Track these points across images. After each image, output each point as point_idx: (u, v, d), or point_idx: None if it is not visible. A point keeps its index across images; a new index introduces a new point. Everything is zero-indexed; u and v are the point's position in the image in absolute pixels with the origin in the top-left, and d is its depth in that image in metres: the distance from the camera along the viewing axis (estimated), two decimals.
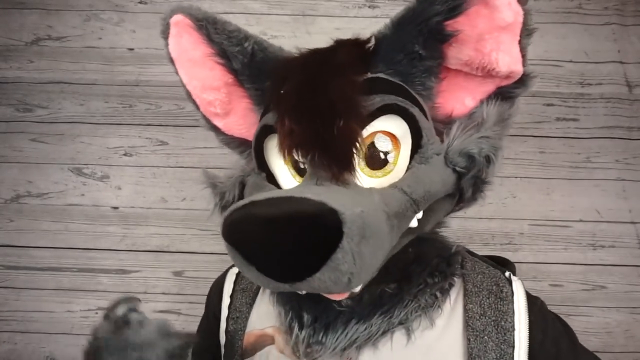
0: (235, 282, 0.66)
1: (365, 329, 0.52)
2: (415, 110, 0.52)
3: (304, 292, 0.48)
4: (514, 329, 0.54)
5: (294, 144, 0.49)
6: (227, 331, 0.63)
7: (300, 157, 0.50)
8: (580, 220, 1.00)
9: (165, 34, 0.61)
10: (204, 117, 0.66)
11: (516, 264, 0.92)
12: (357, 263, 0.40)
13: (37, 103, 1.03)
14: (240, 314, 0.63)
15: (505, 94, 0.57)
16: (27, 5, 1.03)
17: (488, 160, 0.53)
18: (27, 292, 1.00)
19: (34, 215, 1.01)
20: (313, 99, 0.49)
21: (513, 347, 0.53)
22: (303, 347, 0.53)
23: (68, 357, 0.98)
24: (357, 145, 0.48)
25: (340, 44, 0.56)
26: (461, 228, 1.01)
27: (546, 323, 0.58)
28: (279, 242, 0.41)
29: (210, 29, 0.59)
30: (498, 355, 0.53)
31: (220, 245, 1.09)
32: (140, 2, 1.04)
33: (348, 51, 0.54)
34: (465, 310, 0.55)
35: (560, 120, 1.02)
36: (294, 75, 0.52)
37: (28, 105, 1.03)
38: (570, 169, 1.01)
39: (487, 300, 0.56)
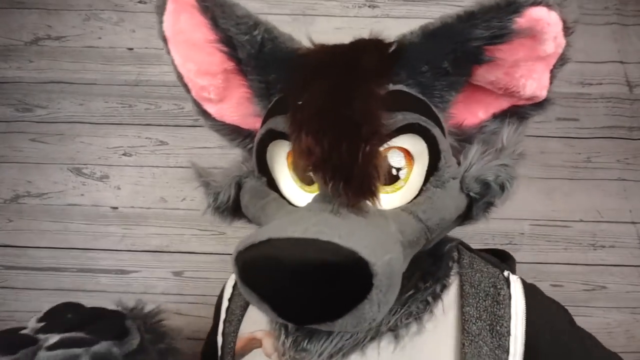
0: (234, 287, 0.65)
1: (351, 336, 0.50)
2: (436, 131, 0.49)
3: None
4: (509, 334, 0.52)
5: (312, 166, 0.45)
6: (223, 333, 0.62)
7: (317, 180, 0.46)
8: (581, 220, 1.00)
9: (160, 9, 0.55)
10: (194, 101, 0.61)
11: (516, 264, 0.92)
12: (381, 310, 0.40)
13: (36, 103, 1.03)
14: (234, 316, 0.62)
15: (519, 113, 0.56)
16: (27, 5, 1.03)
17: (502, 187, 0.51)
18: (26, 292, 1.00)
19: (34, 215, 1.01)
20: (335, 116, 0.45)
21: (508, 352, 0.51)
22: (290, 353, 0.52)
23: None
24: (379, 170, 0.45)
25: (362, 45, 0.52)
26: (461, 228, 1.00)
27: (551, 323, 0.55)
28: (304, 292, 0.39)
29: (217, 12, 0.53)
30: None
31: (221, 245, 1.10)
32: (139, 2, 1.04)
33: (371, 55, 0.50)
34: (462, 314, 0.53)
35: (560, 120, 1.02)
36: (313, 81, 0.48)
37: (28, 105, 1.03)
38: (571, 169, 1.01)
39: (484, 303, 0.53)
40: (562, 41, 0.50)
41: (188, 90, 0.60)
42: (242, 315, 0.61)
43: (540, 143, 1.01)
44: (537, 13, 0.46)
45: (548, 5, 0.46)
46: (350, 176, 0.43)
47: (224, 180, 0.57)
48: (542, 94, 0.54)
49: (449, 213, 0.49)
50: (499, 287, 0.54)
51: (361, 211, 0.45)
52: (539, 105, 0.55)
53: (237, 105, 0.61)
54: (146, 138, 1.03)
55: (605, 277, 0.99)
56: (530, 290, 0.56)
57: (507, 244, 1.00)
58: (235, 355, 0.59)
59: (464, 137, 0.55)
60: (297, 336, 0.51)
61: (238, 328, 0.60)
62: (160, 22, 0.56)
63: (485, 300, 0.53)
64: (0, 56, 1.03)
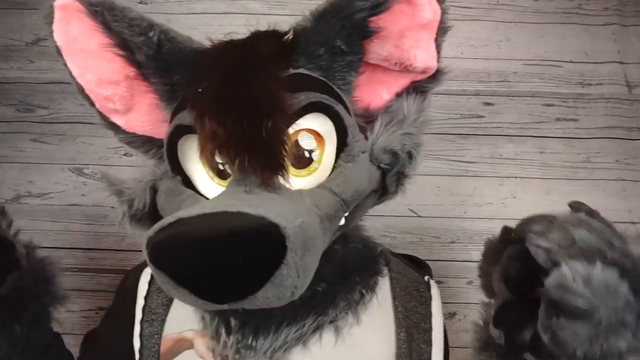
0: (150, 283, 0.60)
1: (297, 330, 0.50)
2: (339, 108, 0.51)
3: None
4: (432, 329, 0.57)
5: (218, 147, 0.45)
6: (141, 335, 0.57)
7: (226, 161, 0.46)
8: None
9: (49, 18, 0.53)
10: (100, 114, 0.59)
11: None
12: (300, 276, 0.39)
13: (37, 103, 1.03)
14: (156, 316, 0.57)
15: (419, 88, 0.58)
16: (28, 5, 1.03)
17: (410, 156, 0.53)
18: None
19: (35, 216, 1.01)
20: (236, 97, 0.46)
21: (431, 345, 0.56)
22: (232, 353, 0.51)
23: None
24: (286, 146, 0.46)
25: (258, 36, 0.53)
26: (460, 228, 1.01)
27: None
28: (218, 263, 0.38)
29: (108, 15, 0.51)
30: (419, 353, 0.55)
31: None
32: (140, 2, 1.04)
33: (268, 44, 0.52)
34: (395, 308, 0.57)
35: (560, 120, 1.02)
36: (211, 70, 0.49)
37: (29, 106, 1.03)
38: (570, 169, 1.01)
39: (410, 304, 0.58)
40: (437, 7, 0.53)
41: (92, 103, 0.58)
42: (166, 315, 0.57)
43: (539, 143, 1.02)
44: None
45: None
46: (255, 150, 0.44)
47: (138, 186, 0.56)
48: (433, 64, 0.56)
49: (362, 185, 0.50)
50: (421, 290, 0.60)
51: (274, 189, 0.45)
52: (434, 77, 0.58)
53: (147, 114, 0.59)
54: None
55: None
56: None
57: None
58: (161, 358, 0.55)
59: (372, 119, 0.57)
60: (242, 333, 0.50)
61: (162, 329, 0.56)
62: (51, 32, 0.54)
63: (411, 302, 0.59)
64: (1, 56, 1.03)
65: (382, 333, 0.55)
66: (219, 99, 0.46)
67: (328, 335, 0.53)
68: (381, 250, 0.61)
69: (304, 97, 0.49)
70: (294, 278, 0.39)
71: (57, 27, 0.53)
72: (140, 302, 0.59)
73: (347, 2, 0.50)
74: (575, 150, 1.01)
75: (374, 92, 0.58)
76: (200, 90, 0.48)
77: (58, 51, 0.55)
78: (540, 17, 1.03)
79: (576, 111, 1.02)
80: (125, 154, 1.03)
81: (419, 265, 0.67)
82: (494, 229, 1.07)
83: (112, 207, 1.01)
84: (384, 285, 0.59)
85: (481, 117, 1.02)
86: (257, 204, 0.40)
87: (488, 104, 1.02)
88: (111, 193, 0.57)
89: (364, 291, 0.56)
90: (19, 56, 1.03)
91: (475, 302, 0.96)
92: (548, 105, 1.02)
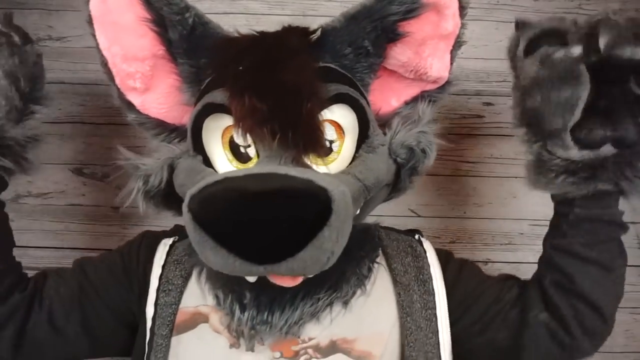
0: (168, 254, 0.62)
1: (312, 304, 0.52)
2: (364, 102, 0.55)
3: (253, 279, 0.49)
4: (431, 279, 0.61)
5: (257, 122, 0.46)
6: (157, 304, 0.58)
7: (261, 137, 0.48)
8: None
9: None
10: (118, 90, 0.60)
11: (516, 264, 0.93)
12: (339, 241, 0.41)
13: None
14: (173, 286, 0.58)
15: (427, 97, 0.62)
16: (28, 6, 1.03)
17: (424, 152, 0.56)
18: None
19: (35, 216, 1.01)
20: (276, 78, 0.48)
21: (433, 295, 0.60)
22: (247, 329, 0.52)
23: None
24: (321, 128, 0.49)
25: (289, 30, 0.55)
26: (460, 228, 1.01)
27: (450, 264, 0.65)
28: (264, 219, 0.38)
29: None
30: (422, 304, 0.58)
31: None
32: None
33: (298, 37, 0.54)
34: (391, 270, 0.60)
35: None
36: (249, 53, 0.50)
37: None
38: None
39: (406, 259, 0.62)
40: (458, 21, 0.58)
41: (112, 78, 0.59)
42: (184, 287, 0.59)
43: None
44: None
45: None
46: (297, 127, 0.46)
47: (155, 163, 0.56)
48: (445, 74, 0.60)
49: (382, 174, 0.54)
50: (414, 246, 0.64)
51: (306, 166, 0.48)
52: (443, 88, 0.62)
53: (165, 96, 0.60)
54: (146, 138, 1.03)
55: None
56: (439, 250, 0.67)
57: (507, 244, 1.00)
58: (175, 328, 0.56)
59: (381, 123, 0.60)
60: (257, 309, 0.51)
61: (179, 300, 0.58)
62: (87, 1, 0.55)
63: (406, 258, 0.62)
64: None
65: (383, 296, 0.59)
66: (260, 78, 0.48)
67: (337, 307, 0.55)
68: (374, 225, 0.65)
69: (334, 88, 0.52)
70: (333, 242, 0.40)
71: None
72: (156, 271, 0.60)
73: (381, 6, 0.53)
74: None
75: (385, 98, 0.62)
76: (240, 68, 0.49)
77: (90, 20, 0.56)
78: (540, 17, 1.03)
79: None
80: None
81: (408, 231, 0.71)
82: (494, 229, 1.07)
83: (112, 207, 1.02)
84: (380, 254, 0.62)
85: (481, 117, 1.02)
86: (301, 172, 0.42)
87: (488, 104, 1.02)
88: (126, 167, 0.58)
89: (371, 265, 0.59)
90: None
91: None
92: None
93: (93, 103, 1.03)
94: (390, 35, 0.55)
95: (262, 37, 0.54)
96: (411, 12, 0.53)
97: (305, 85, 0.48)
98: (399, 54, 0.57)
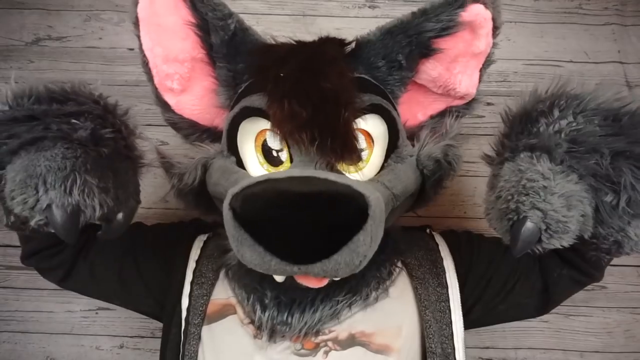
0: (202, 249, 0.66)
1: (332, 307, 0.54)
2: (395, 114, 0.56)
3: (281, 279, 0.51)
4: (445, 272, 0.62)
5: (297, 127, 0.48)
6: (190, 295, 0.62)
7: (299, 142, 0.49)
8: None
9: None
10: (156, 90, 0.62)
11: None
12: (372, 245, 0.42)
13: None
14: (206, 279, 0.62)
15: (453, 112, 0.63)
16: (28, 6, 1.03)
17: (450, 165, 0.57)
18: (27, 292, 1.00)
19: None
20: (316, 85, 0.49)
21: (447, 287, 0.61)
22: (267, 329, 0.55)
23: (68, 357, 0.98)
24: (357, 136, 0.50)
25: (324, 40, 0.57)
26: (460, 229, 1.00)
27: (462, 249, 0.66)
28: (304, 219, 0.40)
29: None
30: (437, 297, 0.60)
31: None
32: None
33: (334, 47, 0.56)
34: (406, 265, 0.62)
35: None
36: (290, 60, 0.52)
37: None
38: None
39: (419, 253, 0.64)
40: (491, 40, 0.59)
41: (151, 78, 0.61)
42: (215, 280, 0.62)
43: None
44: (477, 9, 0.54)
45: (485, 4, 0.54)
46: (335, 134, 0.48)
47: (189, 162, 0.59)
48: (473, 91, 0.61)
49: (410, 183, 0.55)
50: (426, 239, 0.67)
51: (340, 172, 0.50)
52: (469, 104, 0.63)
53: (200, 97, 0.62)
54: (146, 138, 1.03)
55: (604, 277, 0.98)
56: (445, 233, 0.69)
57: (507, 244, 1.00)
58: (206, 318, 0.60)
59: (407, 136, 0.62)
60: (277, 309, 0.54)
61: (211, 291, 0.61)
62: (135, 3, 0.56)
63: (419, 251, 0.64)
64: (0, 56, 1.03)
65: (400, 290, 0.60)
66: (300, 84, 0.49)
67: (357, 306, 0.57)
68: (391, 226, 0.64)
69: (367, 98, 0.54)
70: (367, 245, 0.41)
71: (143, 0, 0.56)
72: (191, 265, 0.64)
73: (418, 22, 0.54)
74: None
75: (412, 111, 0.64)
76: (282, 75, 0.50)
77: (136, 22, 0.57)
78: (540, 17, 1.03)
79: None
80: None
81: (419, 227, 0.72)
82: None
83: None
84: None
85: (481, 117, 1.02)
86: (339, 177, 0.42)
87: (488, 104, 1.02)
88: (162, 165, 0.61)
89: (391, 269, 0.60)
90: (18, 56, 1.03)
91: None
92: None
93: None
94: (424, 50, 0.56)
95: (301, 46, 0.56)
96: (447, 30, 0.54)
97: (344, 94, 0.49)
98: (430, 69, 0.59)
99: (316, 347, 0.55)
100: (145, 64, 0.60)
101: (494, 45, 0.59)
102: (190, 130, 0.65)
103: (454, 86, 0.59)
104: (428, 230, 0.69)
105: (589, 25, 1.03)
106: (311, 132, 0.47)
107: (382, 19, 1.01)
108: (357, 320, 0.57)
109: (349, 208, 0.40)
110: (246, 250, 0.42)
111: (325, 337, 0.56)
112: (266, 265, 0.42)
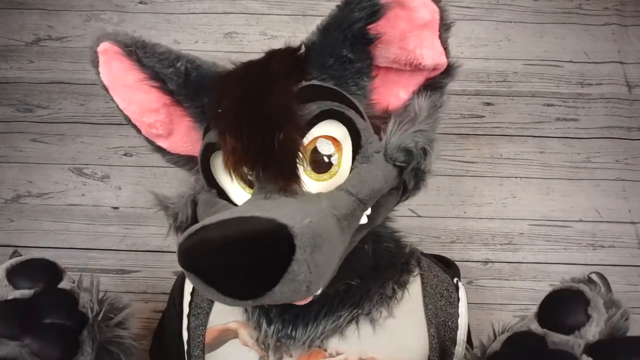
0: None
1: (334, 321, 0.55)
2: (351, 113, 0.54)
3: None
4: (457, 329, 0.62)
5: (237, 161, 0.49)
6: (189, 328, 0.64)
7: (246, 172, 0.50)
8: (580, 221, 1.00)
9: (94, 62, 0.60)
10: (147, 139, 0.67)
11: (516, 264, 0.93)
12: (312, 271, 0.42)
13: (37, 103, 1.03)
14: (201, 310, 0.64)
15: (434, 84, 0.61)
16: (28, 6, 1.03)
17: (424, 152, 0.55)
18: None
19: (35, 216, 1.01)
20: (250, 114, 0.50)
21: (456, 344, 0.61)
22: (272, 342, 0.56)
23: None
24: (300, 154, 0.49)
25: (272, 54, 0.57)
26: (461, 229, 1.01)
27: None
28: (234, 263, 0.41)
29: (140, 53, 0.59)
30: (443, 350, 0.61)
31: None
32: (140, 3, 1.04)
33: (280, 60, 0.56)
34: (425, 306, 0.62)
35: (560, 120, 1.02)
36: (229, 92, 0.53)
37: (28, 106, 1.03)
38: (570, 169, 1.01)
39: (440, 302, 0.63)
40: (433, 7, 0.56)
41: (138, 131, 0.66)
42: (210, 308, 0.63)
43: (539, 143, 1.02)
44: None
45: None
46: (268, 163, 0.48)
47: (180, 201, 0.61)
48: (442, 60, 0.58)
49: (378, 183, 0.53)
50: (450, 291, 0.65)
51: (292, 194, 0.49)
52: (447, 72, 0.60)
53: (186, 135, 0.66)
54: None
55: None
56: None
57: (507, 244, 1.00)
58: (206, 347, 0.61)
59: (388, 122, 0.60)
60: (282, 323, 0.55)
61: (206, 321, 0.62)
62: (97, 73, 0.61)
63: (440, 300, 0.63)
64: (0, 56, 1.03)
65: (415, 327, 0.60)
66: (236, 117, 0.50)
67: (364, 325, 0.57)
68: (412, 249, 0.66)
69: (315, 107, 0.52)
70: (305, 273, 0.41)
71: (102, 69, 0.60)
72: (187, 298, 0.66)
73: (344, 15, 0.53)
74: (575, 150, 1.01)
75: (391, 92, 0.61)
76: (220, 110, 0.52)
77: (105, 89, 0.62)
78: (540, 17, 1.03)
79: (576, 111, 1.02)
80: (125, 154, 1.03)
81: (448, 266, 0.70)
82: (494, 229, 1.08)
83: (112, 207, 1.02)
84: (416, 283, 0.63)
85: (481, 117, 1.02)
86: (269, 208, 0.44)
87: (488, 104, 1.02)
88: (159, 209, 0.63)
89: (395, 287, 0.60)
90: (18, 56, 1.03)
91: (474, 302, 0.96)
92: (548, 105, 1.02)
93: (93, 103, 1.03)
94: (364, 40, 0.55)
95: (246, 70, 0.56)
96: (374, 15, 0.52)
97: (279, 115, 0.49)
98: (384, 53, 0.57)
99: None
100: (128, 120, 0.65)
101: (443, 8, 0.56)
102: (190, 164, 0.69)
103: (417, 61, 0.57)
104: (455, 280, 0.67)
105: (588, 25, 1.03)
106: (247, 165, 0.48)
107: None
108: (368, 344, 0.57)
109: (268, 246, 0.41)
110: (203, 291, 0.44)
111: (333, 359, 0.56)
112: (223, 301, 0.44)
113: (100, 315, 0.53)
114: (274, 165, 0.48)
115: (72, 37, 1.03)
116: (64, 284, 0.54)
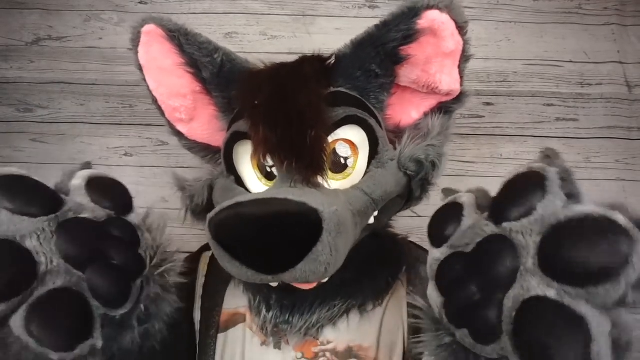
0: (209, 265, 0.70)
1: (329, 310, 0.58)
2: (372, 122, 0.59)
3: (275, 284, 0.55)
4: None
5: (269, 150, 0.53)
6: (202, 308, 0.66)
7: (275, 162, 0.54)
8: None
9: (135, 42, 0.63)
10: (169, 122, 0.70)
11: None
12: (333, 254, 0.45)
13: (37, 103, 1.03)
14: (215, 292, 0.66)
15: (445, 108, 0.66)
16: (28, 6, 1.03)
17: (433, 165, 0.60)
18: None
19: None
20: (285, 109, 0.54)
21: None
22: (270, 327, 0.59)
23: None
24: (326, 152, 0.54)
25: (304, 59, 0.62)
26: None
27: None
28: (267, 238, 0.44)
29: (182, 40, 0.62)
30: (415, 328, 0.61)
31: None
32: (140, 2, 1.04)
33: (312, 65, 0.60)
34: (408, 293, 0.63)
35: (560, 120, 1.02)
36: (265, 86, 0.57)
37: (28, 106, 1.03)
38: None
39: (423, 286, 0.63)
40: (459, 39, 0.61)
41: (162, 113, 0.69)
42: (225, 290, 0.66)
43: (539, 143, 1.02)
44: (432, 15, 0.57)
45: (439, 8, 0.57)
46: (301, 155, 0.52)
47: (197, 184, 0.65)
48: (456, 87, 0.64)
49: (390, 187, 0.57)
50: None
51: (315, 186, 0.53)
52: (458, 99, 0.65)
53: (207, 123, 0.70)
54: (147, 138, 1.03)
55: None
56: None
57: None
58: (219, 327, 0.64)
59: (402, 134, 0.64)
60: (280, 310, 0.59)
61: (222, 302, 0.65)
62: (136, 52, 0.64)
63: (423, 284, 0.63)
64: (1, 56, 1.03)
65: (399, 312, 0.63)
66: (271, 110, 0.54)
67: (353, 315, 0.60)
68: (402, 237, 0.69)
69: (341, 112, 0.57)
70: (327, 255, 0.45)
71: (142, 49, 0.63)
72: (201, 280, 0.68)
73: (381, 34, 0.58)
74: (575, 150, 1.01)
75: (404, 111, 0.66)
76: (256, 102, 0.55)
77: (140, 68, 0.65)
78: (540, 17, 1.03)
79: (576, 111, 1.02)
80: (125, 154, 1.03)
81: None
82: None
83: None
84: (403, 271, 0.66)
85: (481, 117, 1.02)
86: (299, 194, 0.47)
87: (488, 104, 1.02)
88: (177, 189, 0.67)
89: (389, 280, 0.63)
90: (18, 56, 1.03)
91: None
92: (548, 105, 1.02)
93: (93, 103, 1.03)
94: (394, 58, 0.60)
95: (279, 68, 0.60)
96: (409, 38, 0.57)
97: (311, 114, 0.53)
98: (408, 73, 0.62)
99: (315, 357, 0.60)
100: (155, 101, 0.67)
101: (467, 42, 0.62)
102: (204, 152, 0.72)
103: (435, 85, 0.62)
104: None
105: (588, 25, 1.03)
106: (279, 155, 0.52)
107: (382, 19, 1.02)
108: (355, 332, 0.60)
109: (300, 225, 0.44)
110: (227, 265, 0.47)
111: (324, 348, 0.60)
112: (245, 276, 0.47)
113: (158, 268, 0.48)
114: (306, 158, 0.52)
115: (72, 37, 1.04)
116: (133, 217, 0.49)
